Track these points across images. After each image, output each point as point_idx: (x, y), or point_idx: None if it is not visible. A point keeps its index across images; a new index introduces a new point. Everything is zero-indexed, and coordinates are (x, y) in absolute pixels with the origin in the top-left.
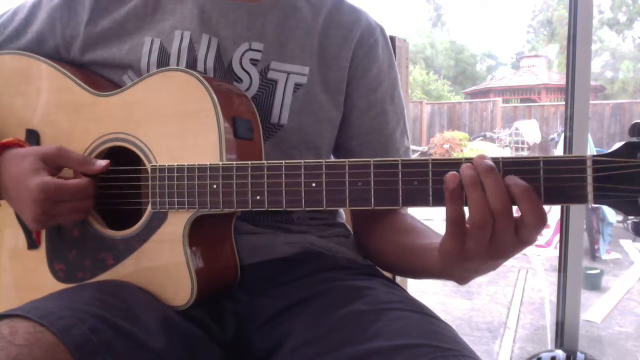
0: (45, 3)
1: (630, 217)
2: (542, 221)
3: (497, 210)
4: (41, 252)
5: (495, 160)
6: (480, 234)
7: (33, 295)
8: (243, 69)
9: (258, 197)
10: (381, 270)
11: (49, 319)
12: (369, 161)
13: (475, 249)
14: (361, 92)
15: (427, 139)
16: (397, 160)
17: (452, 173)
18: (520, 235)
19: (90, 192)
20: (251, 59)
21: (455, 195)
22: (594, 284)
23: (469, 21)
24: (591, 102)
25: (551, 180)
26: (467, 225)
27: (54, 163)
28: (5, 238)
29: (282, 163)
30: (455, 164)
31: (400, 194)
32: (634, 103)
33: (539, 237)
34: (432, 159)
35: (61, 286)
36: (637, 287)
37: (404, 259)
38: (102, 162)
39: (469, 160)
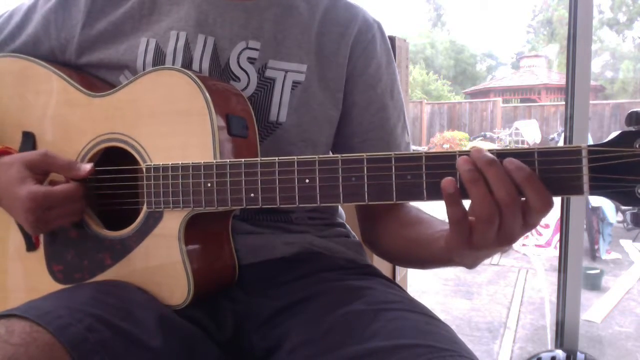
0: (41, 5)
1: (627, 208)
2: (549, 205)
3: (504, 202)
4: (39, 254)
5: (490, 152)
6: (487, 227)
7: (32, 296)
8: (241, 67)
9: (252, 195)
10: (391, 264)
11: (46, 319)
12: (362, 156)
13: (483, 241)
14: (360, 88)
15: (427, 139)
16: (390, 155)
17: (449, 179)
18: (527, 220)
19: (79, 195)
20: (249, 58)
21: (454, 199)
22: (594, 284)
23: (469, 21)
24: (591, 102)
25: (546, 171)
26: (472, 218)
27: (40, 169)
28: (5, 240)
29: (275, 160)
30: (449, 157)
31: (394, 188)
32: (634, 103)
33: (539, 237)
34: (426, 153)
35: (60, 287)
36: (637, 287)
37: (411, 251)
38: (87, 167)
39: (463, 153)
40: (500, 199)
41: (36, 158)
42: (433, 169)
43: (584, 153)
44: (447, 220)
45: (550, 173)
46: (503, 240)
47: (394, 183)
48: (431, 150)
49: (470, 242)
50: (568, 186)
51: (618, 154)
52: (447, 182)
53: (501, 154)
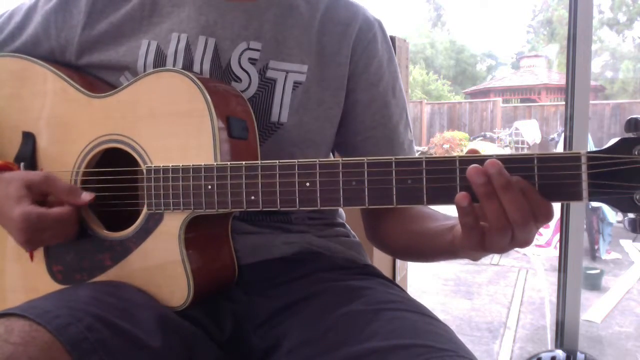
0: (41, 6)
1: (626, 214)
2: (551, 215)
3: (516, 223)
4: (39, 254)
5: (489, 157)
6: (501, 236)
7: (31, 296)
8: (242, 68)
9: (252, 197)
10: (398, 259)
11: (45, 318)
12: (363, 160)
13: (496, 246)
14: (363, 86)
15: (427, 139)
16: (390, 159)
17: (463, 194)
18: (538, 226)
19: (73, 220)
20: (250, 59)
21: (467, 211)
22: (594, 284)
23: (469, 21)
24: (591, 102)
25: (545, 177)
26: (484, 224)
27: (39, 190)
28: (4, 240)
29: (276, 163)
30: (449, 162)
31: (394, 192)
32: (634, 103)
33: (539, 237)
34: (426, 158)
35: (59, 288)
36: (637, 287)
37: (416, 245)
38: (87, 196)
39: (463, 158)
40: (513, 220)
41: (36, 179)
42: (433, 174)
43: (583, 160)
44: (450, 215)
45: (550, 179)
46: (517, 245)
47: (394, 187)
48: (431, 151)
49: (482, 246)
50: (567, 192)
51: (617, 161)
52: (460, 197)
53: (501, 160)
